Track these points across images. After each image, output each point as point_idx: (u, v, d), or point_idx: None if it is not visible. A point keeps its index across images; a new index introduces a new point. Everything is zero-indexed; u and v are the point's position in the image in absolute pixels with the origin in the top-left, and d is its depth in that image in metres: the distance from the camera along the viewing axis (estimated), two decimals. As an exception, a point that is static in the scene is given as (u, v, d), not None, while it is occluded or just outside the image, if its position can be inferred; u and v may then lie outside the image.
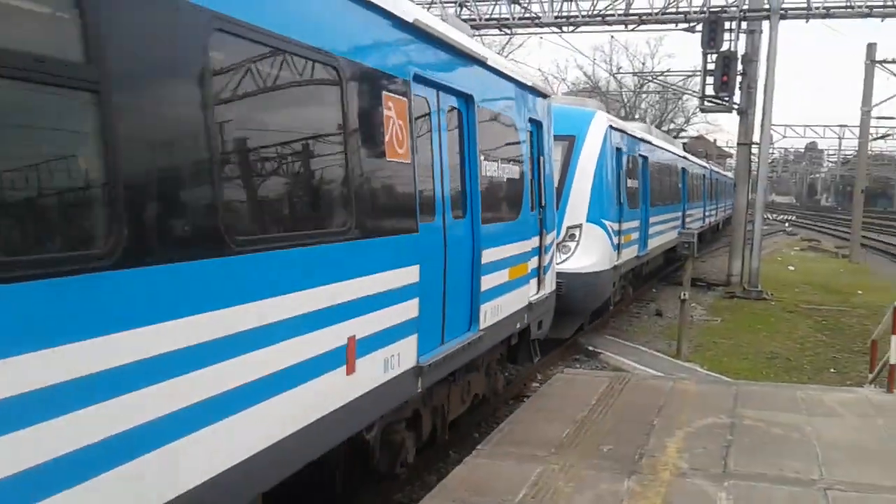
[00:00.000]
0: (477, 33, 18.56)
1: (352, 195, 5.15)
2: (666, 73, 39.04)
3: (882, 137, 50.52)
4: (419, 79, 6.24)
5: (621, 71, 52.26)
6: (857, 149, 48.10)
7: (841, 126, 61.20)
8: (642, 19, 24.40)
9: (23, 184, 2.96)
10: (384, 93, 5.64)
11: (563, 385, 9.45)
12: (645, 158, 19.16)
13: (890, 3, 22.06)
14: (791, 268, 29.63)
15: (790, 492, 6.25)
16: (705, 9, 23.37)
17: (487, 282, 7.88)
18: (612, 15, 24.35)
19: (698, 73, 32.26)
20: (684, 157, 28.44)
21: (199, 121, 3.70)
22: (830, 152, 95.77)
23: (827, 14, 22.65)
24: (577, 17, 24.50)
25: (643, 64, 55.85)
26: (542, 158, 10.10)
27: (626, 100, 53.61)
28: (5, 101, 2.84)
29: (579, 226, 13.51)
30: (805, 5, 22.57)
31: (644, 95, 54.37)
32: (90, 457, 3.06)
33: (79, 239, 3.14)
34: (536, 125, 9.96)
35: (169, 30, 3.52)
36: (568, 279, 12.14)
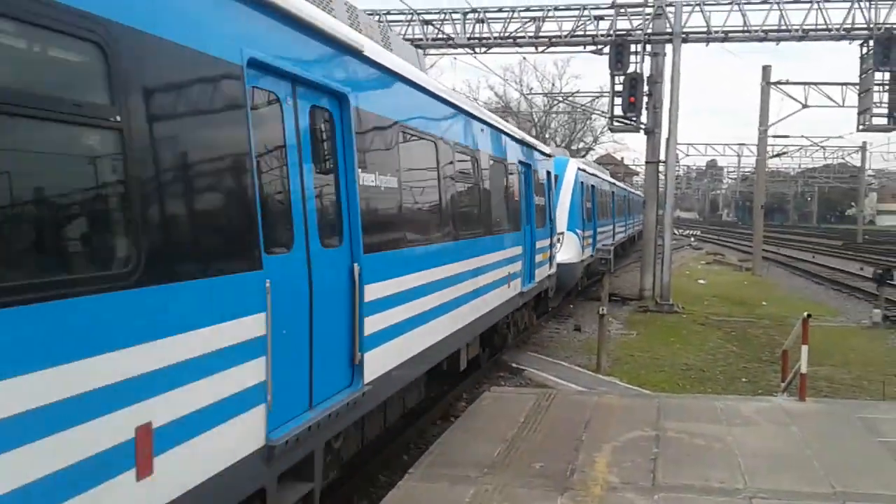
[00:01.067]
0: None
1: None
2: (575, 94, 40.00)
3: (778, 155, 52.90)
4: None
5: (532, 92, 53.28)
6: (755, 166, 50.30)
7: (740, 144, 64.16)
8: (552, 41, 24.99)
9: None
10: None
11: (490, 403, 9.47)
12: (594, 187, 25.49)
13: (784, 28, 23.23)
14: (702, 281, 30.68)
15: (717, 502, 6.42)
16: (612, 32, 24.10)
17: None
18: (523, 37, 24.87)
19: (606, 94, 33.21)
20: (613, 183, 35.79)
21: None
22: (730, 169, 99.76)
23: (725, 38, 23.70)
24: (489, 38, 24.92)
25: (552, 84, 57.13)
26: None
27: (536, 119, 54.62)
28: None
29: (562, 233, 19.34)
30: (705, 29, 23.55)
31: (554, 115, 55.54)
32: None
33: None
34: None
35: None
36: (557, 267, 17.57)
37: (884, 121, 22.80)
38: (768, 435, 8.28)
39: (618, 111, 23.59)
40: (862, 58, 23.41)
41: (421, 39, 25.16)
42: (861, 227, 73.88)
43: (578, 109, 45.25)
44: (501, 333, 13.14)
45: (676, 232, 36.50)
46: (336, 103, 5.99)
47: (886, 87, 22.37)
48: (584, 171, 23.47)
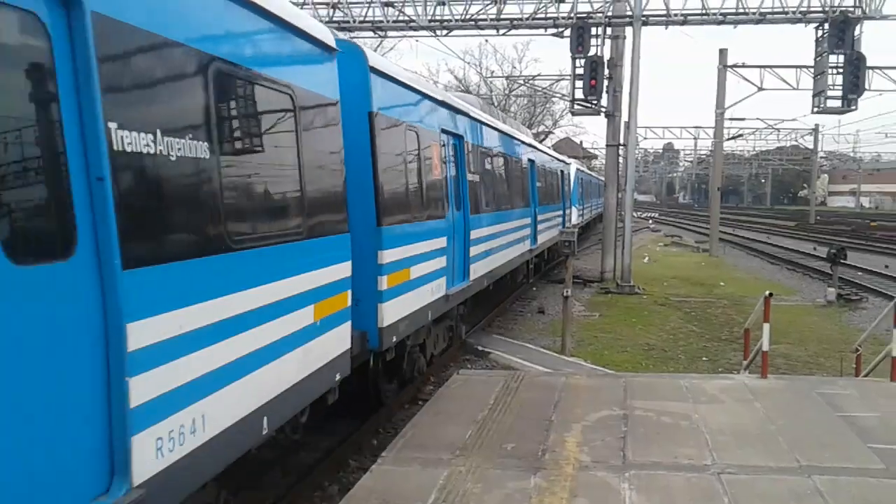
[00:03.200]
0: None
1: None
2: (535, 78, 40.02)
3: (734, 138, 53.69)
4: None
5: (493, 75, 53.21)
6: (711, 149, 50.90)
7: (696, 128, 64.68)
8: (513, 24, 24.96)
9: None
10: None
11: (459, 386, 9.47)
12: (579, 179, 38.29)
13: (742, 11, 23.50)
14: (645, 260, 31.03)
15: (687, 478, 6.50)
16: (573, 15, 24.13)
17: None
18: (485, 19, 24.80)
19: (566, 77, 33.42)
20: (587, 172, 47.57)
21: None
22: (687, 152, 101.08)
23: (685, 21, 23.90)
24: (450, 20, 24.80)
25: (512, 68, 57.12)
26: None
27: (496, 102, 54.62)
28: None
29: (570, 207, 32.36)
30: (665, 12, 23.72)
31: (514, 98, 55.57)
32: None
33: None
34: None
35: None
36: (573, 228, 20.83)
37: (838, 103, 23.26)
38: (733, 412, 8.41)
39: (579, 94, 23.66)
40: (817, 41, 23.81)
41: (382, 21, 24.96)
42: (813, 208, 75.44)
43: (538, 93, 45.32)
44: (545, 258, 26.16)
45: (634, 215, 37.28)
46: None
47: (840, 70, 22.80)
48: (578, 168, 37.75)
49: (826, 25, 22.99)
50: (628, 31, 23.69)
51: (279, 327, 5.61)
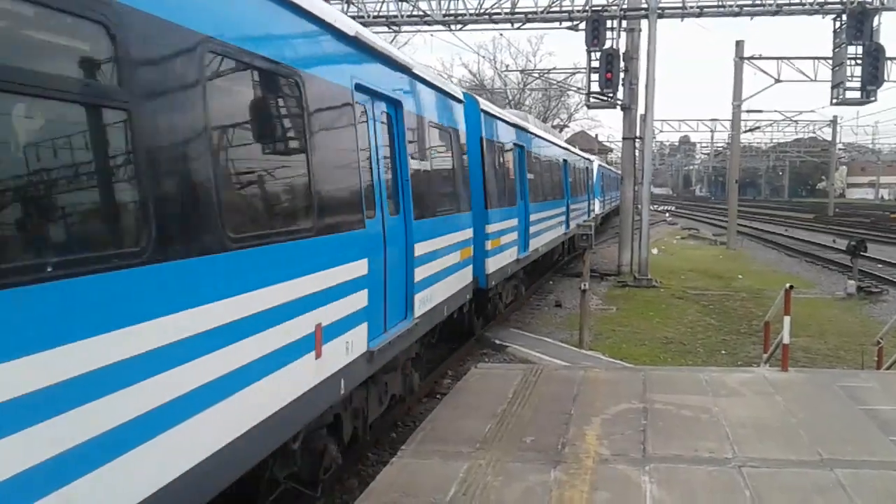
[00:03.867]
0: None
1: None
2: (550, 71, 39.91)
3: (751, 130, 53.38)
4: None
5: (508, 69, 53.12)
6: (728, 141, 50.59)
7: (713, 120, 64.42)
8: (528, 18, 24.89)
9: None
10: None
11: (478, 380, 9.49)
12: (601, 173, 43.27)
13: (759, 3, 23.31)
14: (655, 252, 30.78)
15: (708, 471, 6.49)
16: (588, 8, 24.04)
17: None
18: (499, 13, 24.74)
19: (581, 71, 33.26)
20: (606, 167, 52.01)
21: None
22: (703, 145, 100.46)
23: (701, 13, 23.74)
24: (464, 15, 24.76)
25: (527, 61, 57.02)
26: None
27: (510, 97, 54.49)
28: None
29: (594, 199, 36.44)
30: (680, 5, 23.57)
31: (528, 92, 55.45)
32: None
33: None
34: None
35: None
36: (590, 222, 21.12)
37: (857, 94, 23.03)
38: (754, 405, 8.38)
39: (594, 88, 23.57)
40: (835, 32, 23.58)
41: (396, 16, 24.96)
42: (832, 200, 74.86)
43: (553, 86, 45.20)
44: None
45: (651, 208, 37.03)
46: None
47: (859, 61, 22.58)
48: (600, 164, 43.89)
49: (844, 17, 22.76)
50: (644, 23, 23.56)
51: (451, 258, 10.18)
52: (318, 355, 5.61)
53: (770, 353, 10.92)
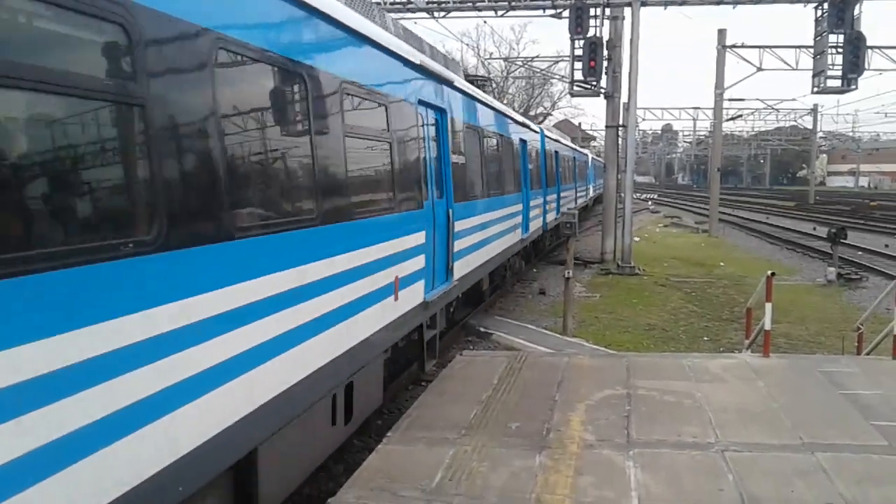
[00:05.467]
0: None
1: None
2: (534, 59, 39.86)
3: (733, 118, 53.61)
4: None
5: (492, 56, 53.00)
6: (710, 129, 50.79)
7: (695, 108, 64.67)
8: (512, 5, 24.83)
9: None
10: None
11: (463, 367, 9.51)
12: (596, 165, 51.14)
13: (741, -9, 23.39)
14: (636, 240, 30.92)
15: (691, 456, 6.55)
16: (571, -5, 24.01)
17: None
18: (483, 0, 24.65)
19: (564, 59, 33.23)
20: (597, 158, 55.25)
21: None
22: (685, 133, 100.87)
23: (684, 1, 23.81)
24: (448, 2, 24.68)
25: (510, 49, 56.88)
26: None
27: (494, 85, 54.38)
28: None
29: (590, 184, 46.79)
30: (664, -7, 23.62)
31: (512, 80, 55.39)
32: None
33: None
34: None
35: None
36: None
37: (837, 83, 23.19)
38: (736, 390, 8.46)
39: (578, 76, 23.57)
40: (817, 20, 23.70)
41: (379, 3, 24.81)
42: (813, 188, 75.37)
43: (537, 74, 45.18)
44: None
45: (634, 196, 37.34)
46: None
47: (840, 50, 22.72)
48: (593, 156, 51.64)
49: (825, 5, 22.89)
50: (627, 11, 23.56)
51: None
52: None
53: (752, 339, 11.01)
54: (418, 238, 8.66)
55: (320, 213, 5.83)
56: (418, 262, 8.65)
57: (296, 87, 5.63)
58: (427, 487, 5.89)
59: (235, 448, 4.59)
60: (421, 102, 9.10)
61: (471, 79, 15.79)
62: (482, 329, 13.99)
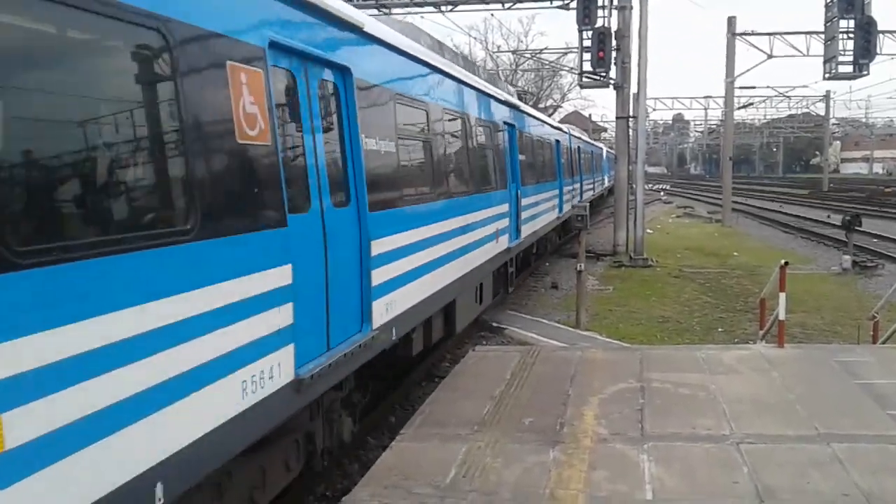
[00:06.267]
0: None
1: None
2: (542, 51, 39.74)
3: (744, 107, 53.31)
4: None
5: (500, 49, 52.86)
6: (721, 118, 50.53)
7: (706, 97, 64.27)
8: (519, -3, 24.78)
9: None
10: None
11: (476, 363, 9.51)
12: (609, 157, 47.28)
13: (750, -22, 23.18)
14: (649, 230, 30.81)
15: (705, 448, 6.52)
16: (579, -14, 23.87)
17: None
18: (491, -7, 24.62)
19: (573, 50, 33.15)
20: (610, 150, 53.05)
21: None
22: (697, 122, 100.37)
23: (693, -11, 23.62)
24: (455, -4, 24.65)
25: (518, 42, 56.72)
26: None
27: (503, 78, 54.24)
28: None
29: (604, 175, 46.73)
30: (672, -19, 23.46)
31: (521, 73, 55.22)
32: None
33: None
34: None
35: None
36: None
37: (849, 68, 23.04)
38: (751, 381, 8.42)
39: (587, 67, 23.49)
40: (827, 6, 23.53)
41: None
42: (826, 175, 74.79)
43: (546, 67, 45.03)
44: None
45: (646, 187, 37.24)
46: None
47: (851, 35, 22.54)
48: (606, 148, 50.48)
49: (836, -10, 22.70)
50: (635, 1, 23.44)
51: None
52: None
53: (766, 329, 10.95)
54: (506, 207, 13.42)
55: (473, 187, 10.82)
56: (506, 222, 13.44)
57: (462, 125, 10.75)
58: (441, 484, 5.90)
59: (449, 295, 9.40)
60: (504, 123, 14.05)
61: (518, 91, 23.23)
62: (495, 324, 13.97)
